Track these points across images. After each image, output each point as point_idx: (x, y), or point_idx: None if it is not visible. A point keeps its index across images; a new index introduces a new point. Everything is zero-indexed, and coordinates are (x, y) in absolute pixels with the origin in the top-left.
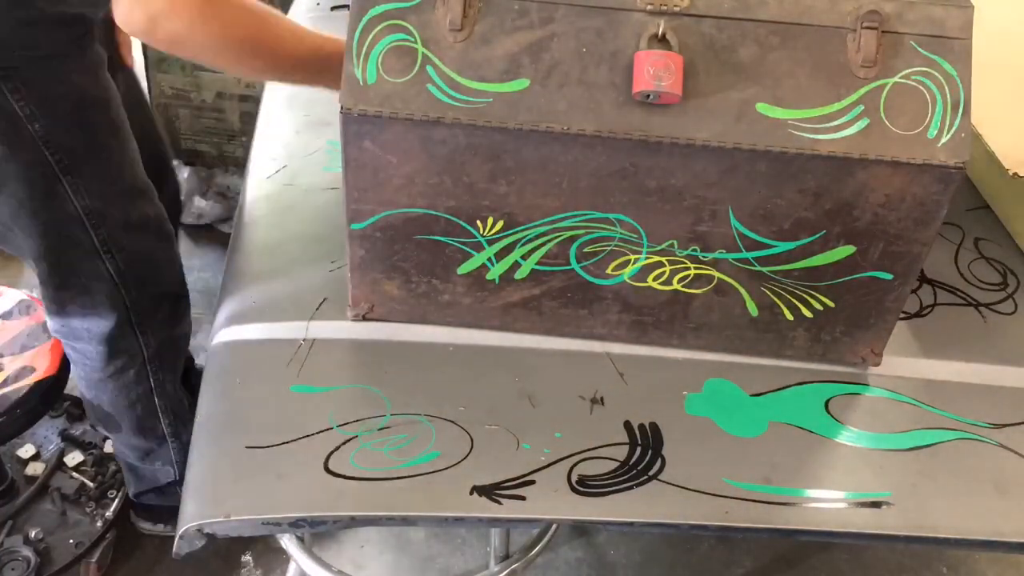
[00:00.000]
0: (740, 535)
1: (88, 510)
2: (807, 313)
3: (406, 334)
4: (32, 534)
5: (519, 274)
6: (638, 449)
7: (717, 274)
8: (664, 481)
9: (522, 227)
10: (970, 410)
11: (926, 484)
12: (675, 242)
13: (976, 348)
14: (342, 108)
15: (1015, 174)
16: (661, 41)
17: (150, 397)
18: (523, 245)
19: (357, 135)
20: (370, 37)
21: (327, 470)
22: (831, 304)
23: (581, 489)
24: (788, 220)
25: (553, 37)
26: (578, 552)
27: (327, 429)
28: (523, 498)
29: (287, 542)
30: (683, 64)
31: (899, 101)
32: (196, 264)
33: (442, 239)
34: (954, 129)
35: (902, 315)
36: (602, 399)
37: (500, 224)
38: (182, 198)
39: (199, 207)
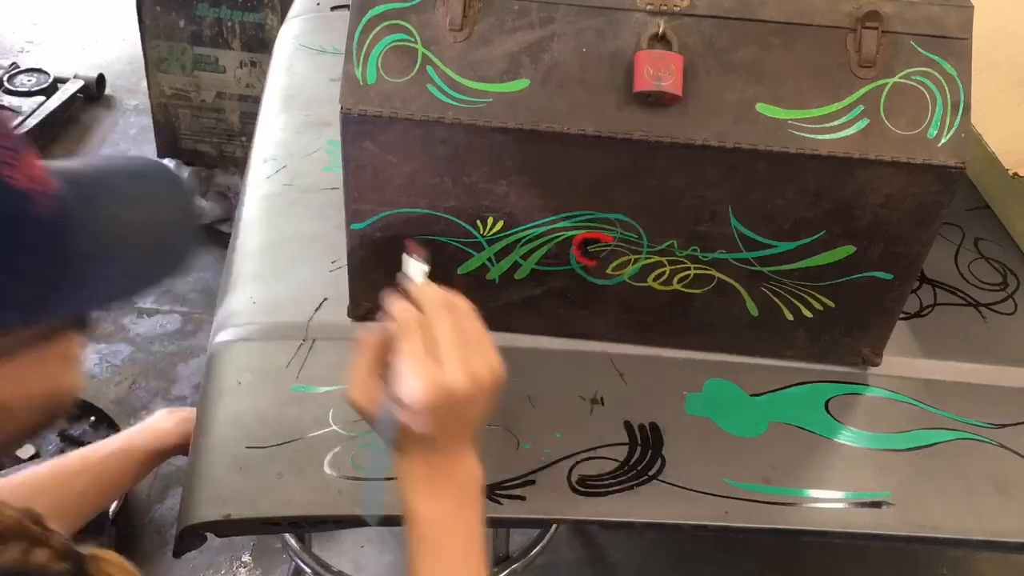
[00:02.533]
0: (740, 535)
1: None
2: (807, 313)
3: None
4: None
5: (519, 274)
6: (638, 449)
7: (717, 274)
8: (664, 481)
9: (522, 227)
10: (970, 410)
11: (926, 484)
12: (675, 242)
13: (976, 348)
14: (342, 108)
15: (1015, 174)
16: (661, 41)
17: None
18: (523, 245)
19: (357, 135)
20: (370, 37)
21: (327, 470)
22: (831, 304)
23: (581, 489)
24: (788, 220)
25: (553, 37)
26: (578, 552)
27: (327, 429)
28: (523, 498)
29: (287, 542)
30: (683, 64)
31: (899, 101)
32: (196, 264)
33: (442, 239)
34: (954, 129)
35: (902, 315)
36: (602, 399)
37: (500, 224)
38: None
39: (199, 207)
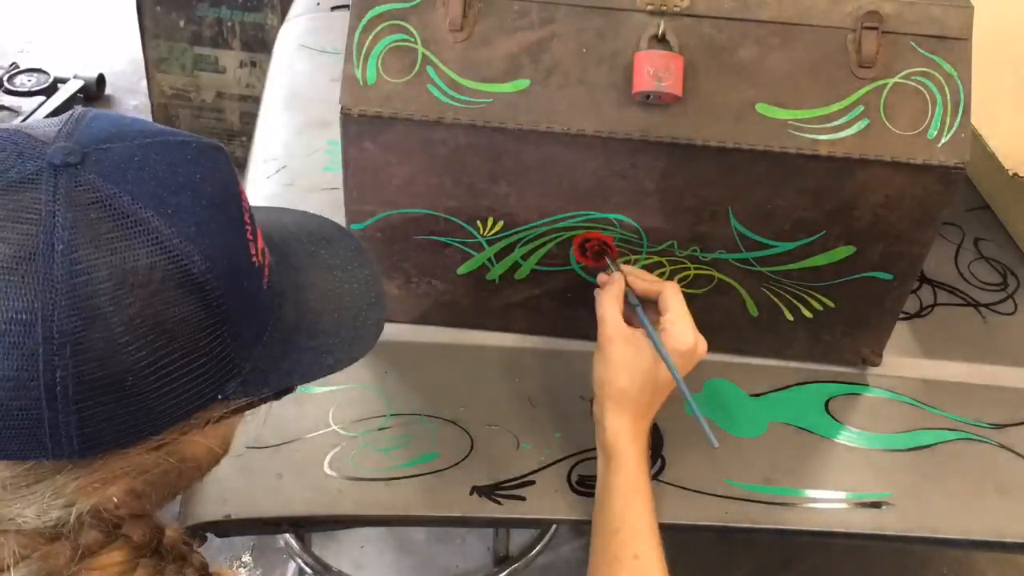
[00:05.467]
0: (740, 535)
1: None
2: (807, 313)
3: (406, 334)
4: None
5: (519, 274)
6: None
7: (717, 274)
8: (664, 481)
9: (522, 227)
10: (970, 410)
11: (926, 484)
12: (675, 242)
13: (976, 348)
14: (342, 109)
15: (1015, 174)
16: (661, 41)
17: None
18: (523, 245)
19: (357, 135)
20: (370, 37)
21: (327, 470)
22: (831, 304)
23: (581, 489)
24: (788, 220)
25: (553, 37)
26: (578, 552)
27: (327, 429)
28: (523, 498)
29: (287, 542)
30: (683, 64)
31: (899, 101)
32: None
33: (442, 239)
34: (954, 129)
35: (902, 315)
36: None
37: (500, 224)
38: None
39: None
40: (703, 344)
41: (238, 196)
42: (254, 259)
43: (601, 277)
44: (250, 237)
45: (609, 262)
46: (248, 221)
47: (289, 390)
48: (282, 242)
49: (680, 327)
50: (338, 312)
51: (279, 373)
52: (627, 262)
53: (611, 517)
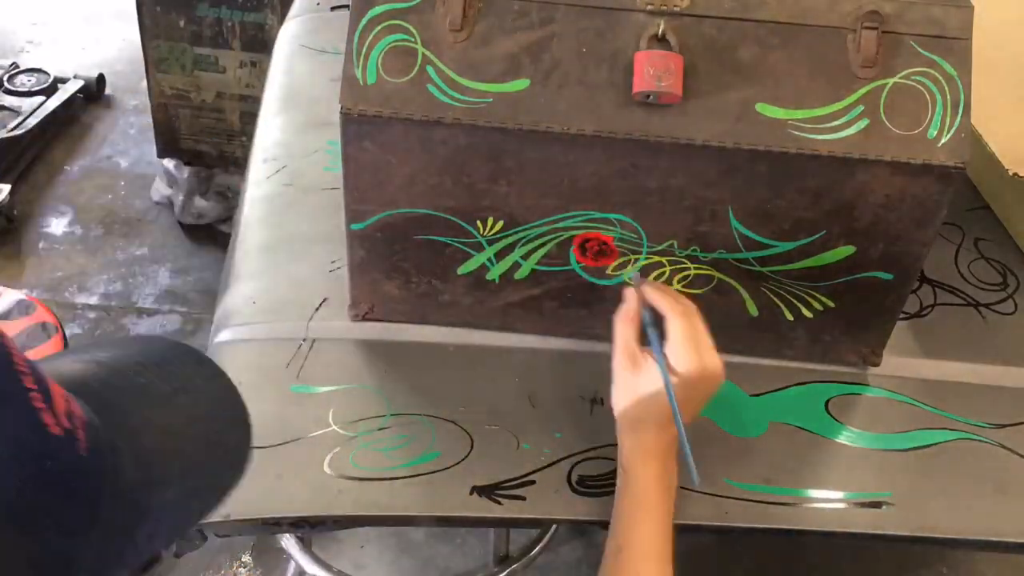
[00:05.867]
0: (740, 535)
1: None
2: (807, 313)
3: (406, 334)
4: None
5: (519, 274)
6: None
7: (717, 274)
8: None
9: (522, 227)
10: (970, 410)
11: (926, 484)
12: (675, 242)
13: (976, 348)
14: (342, 109)
15: (1015, 174)
16: (661, 41)
17: None
18: (523, 245)
19: (357, 135)
20: (370, 37)
21: (327, 470)
22: (831, 304)
23: (581, 489)
24: (788, 220)
25: (553, 37)
26: (578, 552)
27: (327, 429)
28: (523, 498)
29: (287, 542)
30: (683, 64)
31: (899, 101)
32: (196, 264)
33: (442, 239)
34: (954, 129)
35: (902, 315)
36: (602, 399)
37: (500, 224)
38: (181, 198)
39: (199, 207)
40: (713, 371)
41: (9, 364)
42: (53, 429)
43: (624, 292)
44: (40, 405)
45: (626, 279)
46: (32, 387)
47: (157, 557)
48: (101, 387)
49: (681, 352)
50: (190, 444)
51: (138, 543)
52: (627, 262)
53: (616, 535)
